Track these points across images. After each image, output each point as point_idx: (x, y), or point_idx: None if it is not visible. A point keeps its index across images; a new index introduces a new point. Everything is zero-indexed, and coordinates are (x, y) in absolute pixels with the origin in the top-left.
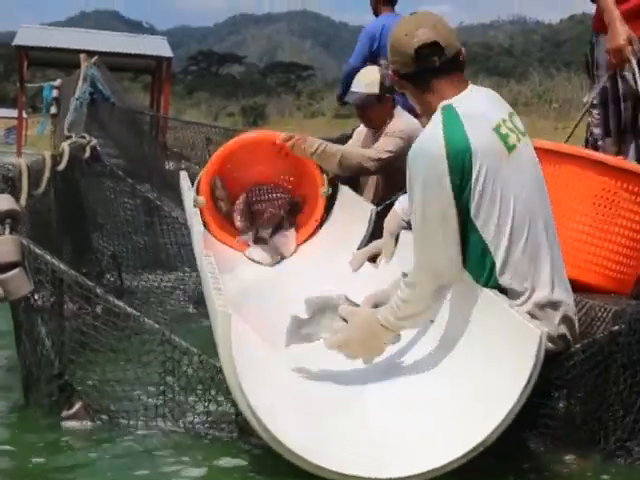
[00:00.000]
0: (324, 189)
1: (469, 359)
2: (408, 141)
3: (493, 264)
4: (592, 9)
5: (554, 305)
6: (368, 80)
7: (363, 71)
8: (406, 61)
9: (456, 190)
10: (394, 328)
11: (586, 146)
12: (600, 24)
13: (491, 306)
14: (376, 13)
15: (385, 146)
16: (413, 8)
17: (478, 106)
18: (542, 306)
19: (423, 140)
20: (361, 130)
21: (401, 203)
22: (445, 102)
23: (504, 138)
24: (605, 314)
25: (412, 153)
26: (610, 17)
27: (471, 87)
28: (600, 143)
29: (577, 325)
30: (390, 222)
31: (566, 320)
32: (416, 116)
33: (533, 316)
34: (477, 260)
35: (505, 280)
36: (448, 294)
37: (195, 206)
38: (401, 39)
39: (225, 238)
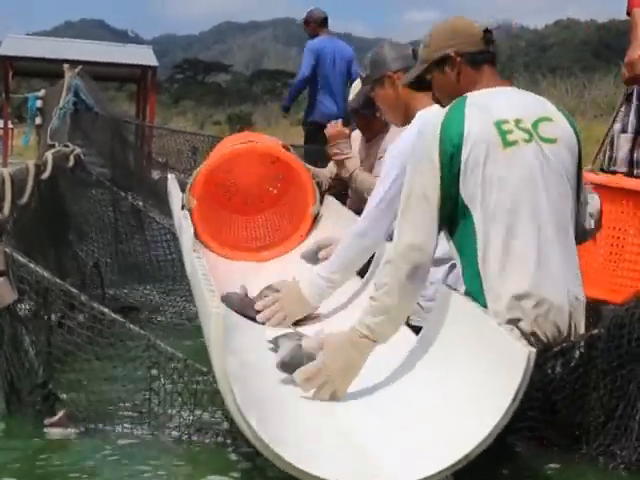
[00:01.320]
0: (315, 207)
1: (456, 374)
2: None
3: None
4: (577, 15)
5: (530, 298)
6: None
7: (356, 82)
8: (475, 40)
9: (444, 171)
10: (375, 334)
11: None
12: None
13: (480, 323)
14: (313, 35)
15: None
16: (400, 14)
17: (491, 101)
18: (518, 298)
19: (424, 121)
20: (356, 135)
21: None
22: (472, 93)
23: (503, 133)
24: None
25: (413, 134)
26: (636, 33)
27: (505, 87)
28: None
29: (570, 330)
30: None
31: (547, 319)
32: None
33: (510, 309)
34: (469, 242)
35: (487, 267)
36: (423, 281)
37: (184, 208)
38: (465, 23)
39: (213, 245)
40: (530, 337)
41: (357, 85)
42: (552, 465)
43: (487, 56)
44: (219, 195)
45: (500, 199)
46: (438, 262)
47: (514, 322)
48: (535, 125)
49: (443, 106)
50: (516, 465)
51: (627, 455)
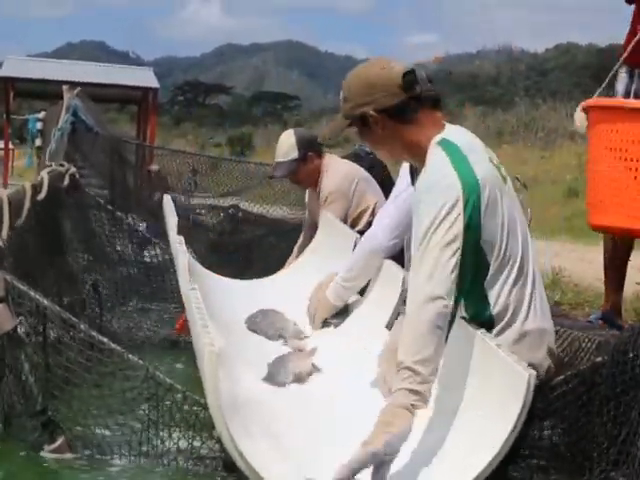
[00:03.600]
0: None
1: (456, 399)
2: (343, 195)
3: (487, 287)
4: (577, 39)
5: (540, 333)
6: (285, 147)
7: (280, 140)
8: (393, 91)
9: (469, 222)
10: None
11: None
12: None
13: (480, 346)
14: None
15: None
16: (399, 38)
17: (468, 140)
18: (528, 334)
19: (432, 175)
20: (309, 194)
21: (332, 290)
22: (438, 137)
23: (498, 169)
24: (589, 345)
25: (422, 188)
26: None
27: (449, 125)
28: None
29: (557, 354)
30: (321, 309)
31: (549, 349)
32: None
33: (519, 343)
34: (478, 284)
35: (498, 306)
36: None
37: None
38: (380, 73)
39: None
40: (534, 366)
41: (281, 141)
42: None
43: (412, 104)
44: None
45: (514, 241)
46: None
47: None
48: (498, 162)
49: (379, 155)
50: None
51: None
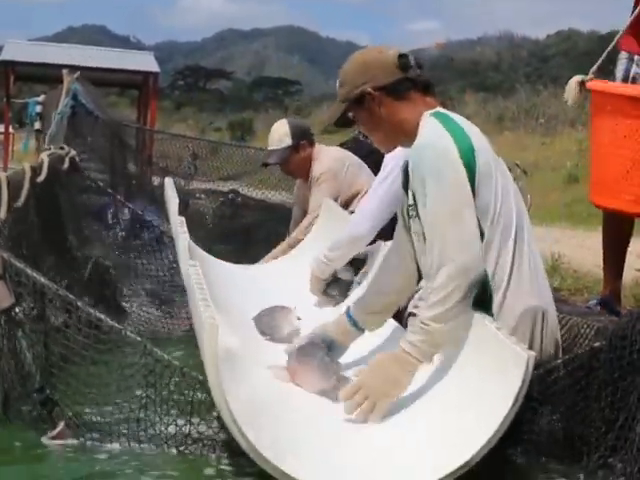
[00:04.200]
0: None
1: (456, 379)
2: (334, 176)
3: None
4: (578, 26)
5: (541, 312)
6: (278, 135)
7: (273, 128)
8: (390, 70)
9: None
10: (420, 352)
11: None
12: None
13: (479, 327)
14: None
15: (316, 200)
16: (401, 24)
17: (461, 117)
18: (528, 311)
19: (427, 137)
20: (299, 184)
21: (316, 265)
22: (430, 111)
23: (489, 144)
24: (588, 331)
25: (418, 150)
26: None
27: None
28: None
29: (559, 336)
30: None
31: (551, 332)
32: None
33: (516, 326)
34: None
35: (497, 276)
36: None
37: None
38: (377, 55)
39: None
40: (535, 347)
41: (274, 130)
42: (552, 477)
43: (408, 84)
44: None
45: (508, 211)
46: None
47: (523, 333)
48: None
49: (373, 141)
50: (516, 477)
51: (627, 467)
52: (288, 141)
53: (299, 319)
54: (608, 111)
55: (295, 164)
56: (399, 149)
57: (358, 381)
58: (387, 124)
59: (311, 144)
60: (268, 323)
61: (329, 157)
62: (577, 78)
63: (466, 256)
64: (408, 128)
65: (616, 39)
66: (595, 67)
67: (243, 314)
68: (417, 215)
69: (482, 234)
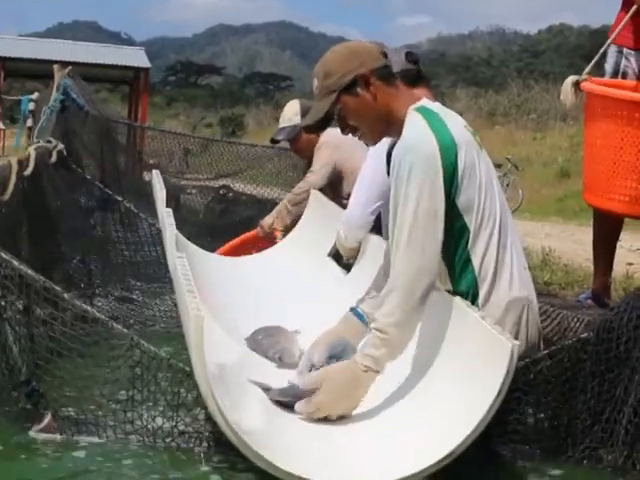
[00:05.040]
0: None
1: (440, 369)
2: (336, 145)
3: (470, 251)
4: (570, 21)
5: (525, 303)
6: (290, 113)
7: (285, 107)
8: (376, 55)
9: (447, 185)
10: (380, 365)
11: None
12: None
13: (463, 317)
14: None
15: (318, 162)
16: (392, 19)
17: (445, 109)
18: (513, 302)
19: (411, 138)
20: (304, 169)
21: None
22: (415, 105)
23: (474, 135)
24: (577, 324)
25: (400, 151)
26: None
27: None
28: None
29: (541, 327)
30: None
31: (535, 323)
32: None
33: (505, 313)
34: (461, 248)
35: (483, 270)
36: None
37: None
38: (359, 44)
39: None
40: (520, 337)
41: (287, 108)
42: (538, 468)
43: (391, 71)
44: None
45: (492, 204)
46: None
47: (509, 324)
48: (474, 129)
49: (358, 134)
50: (502, 468)
51: (613, 459)
52: (297, 120)
53: (298, 332)
54: (601, 113)
55: (302, 143)
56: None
57: (315, 401)
58: (376, 112)
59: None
60: (272, 346)
61: (334, 131)
62: (572, 79)
63: (424, 261)
64: (394, 119)
65: (611, 39)
66: (589, 67)
67: (231, 308)
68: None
69: (466, 229)
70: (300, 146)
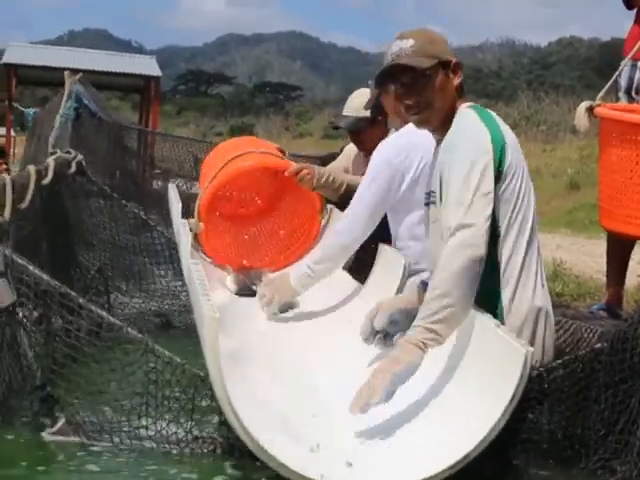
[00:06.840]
0: (323, 215)
1: (455, 375)
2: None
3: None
4: (580, 33)
5: (545, 314)
6: (359, 103)
7: (354, 94)
8: (445, 48)
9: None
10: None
11: None
12: None
13: (479, 324)
14: None
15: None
16: (402, 30)
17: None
18: (533, 311)
19: (466, 128)
20: (350, 149)
21: (297, 277)
22: (468, 104)
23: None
24: (590, 335)
25: (454, 140)
26: None
27: None
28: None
29: (555, 337)
30: (282, 292)
31: (552, 333)
32: None
33: (522, 325)
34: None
35: (507, 274)
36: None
37: (191, 230)
38: (435, 34)
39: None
40: (537, 345)
41: (356, 96)
42: (551, 478)
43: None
44: (223, 209)
45: (527, 210)
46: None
47: (527, 331)
48: None
49: (425, 113)
50: (515, 478)
51: (627, 471)
52: (367, 112)
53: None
54: (616, 137)
55: (366, 136)
56: (382, 145)
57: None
58: (449, 100)
59: (385, 125)
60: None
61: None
62: (585, 104)
63: (477, 235)
64: (448, 115)
65: (623, 64)
66: (602, 92)
67: (246, 318)
68: (438, 200)
69: (497, 226)
70: (362, 138)
